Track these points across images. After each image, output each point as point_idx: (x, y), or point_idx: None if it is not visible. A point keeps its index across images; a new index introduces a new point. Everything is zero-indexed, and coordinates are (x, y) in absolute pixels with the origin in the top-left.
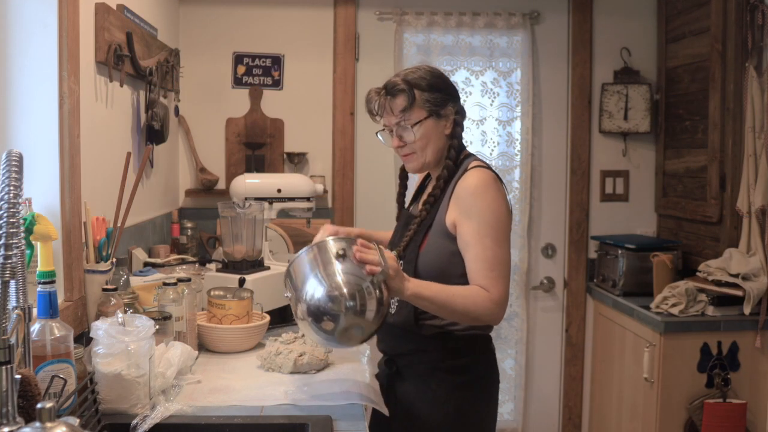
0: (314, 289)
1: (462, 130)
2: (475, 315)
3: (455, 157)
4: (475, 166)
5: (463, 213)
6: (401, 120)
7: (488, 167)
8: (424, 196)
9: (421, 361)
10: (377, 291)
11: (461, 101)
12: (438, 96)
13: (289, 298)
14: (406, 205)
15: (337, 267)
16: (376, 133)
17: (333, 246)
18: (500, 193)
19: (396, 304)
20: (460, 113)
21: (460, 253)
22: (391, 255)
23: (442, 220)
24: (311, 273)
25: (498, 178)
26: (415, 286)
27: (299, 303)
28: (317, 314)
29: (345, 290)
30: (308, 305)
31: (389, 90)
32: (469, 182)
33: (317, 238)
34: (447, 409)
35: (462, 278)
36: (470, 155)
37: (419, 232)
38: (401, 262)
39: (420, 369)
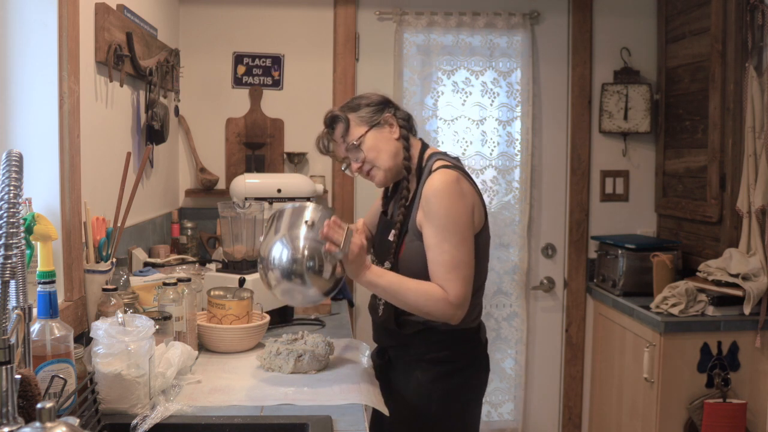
0: (281, 251)
1: (409, 129)
2: (426, 310)
3: (409, 156)
4: (440, 167)
5: (426, 216)
6: (347, 144)
7: (453, 166)
8: (399, 202)
9: (406, 353)
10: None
11: (398, 106)
12: (370, 109)
13: (260, 242)
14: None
15: (302, 232)
16: (343, 169)
17: (308, 213)
18: (460, 194)
19: (382, 305)
20: (399, 115)
21: None
22: (356, 242)
23: (413, 223)
24: (281, 231)
25: (463, 176)
26: (371, 273)
27: (266, 262)
28: (284, 272)
29: (306, 252)
30: (274, 263)
31: (327, 124)
32: (431, 185)
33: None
34: (431, 396)
35: None
36: (435, 154)
37: (399, 237)
38: (388, 264)
39: (406, 359)
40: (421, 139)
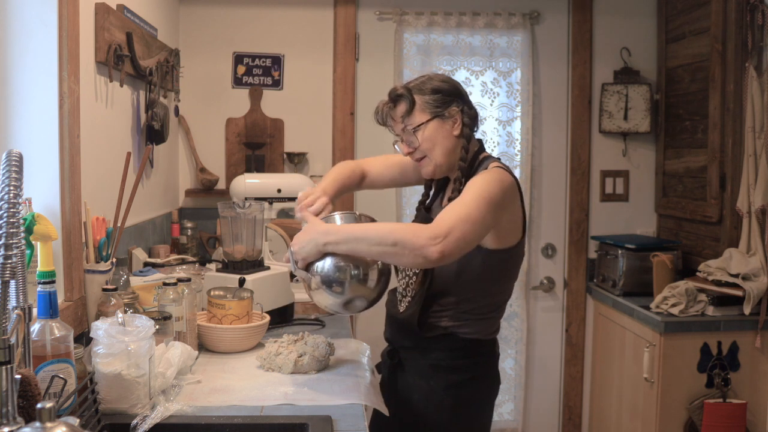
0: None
1: (472, 129)
2: (394, 238)
3: (466, 157)
4: (495, 167)
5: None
6: (405, 126)
7: (507, 169)
8: (446, 201)
9: (422, 357)
10: (379, 263)
11: (469, 101)
12: (439, 97)
13: (296, 268)
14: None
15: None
16: (394, 144)
17: None
18: (501, 183)
19: (407, 299)
20: (467, 112)
21: (475, 254)
22: (310, 225)
23: None
24: None
25: (515, 182)
26: (323, 235)
27: (313, 274)
28: (328, 282)
29: (350, 262)
30: (320, 275)
31: (391, 98)
32: (480, 174)
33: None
34: (442, 405)
35: (480, 281)
36: (490, 157)
37: None
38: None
39: (420, 364)
40: (479, 140)
